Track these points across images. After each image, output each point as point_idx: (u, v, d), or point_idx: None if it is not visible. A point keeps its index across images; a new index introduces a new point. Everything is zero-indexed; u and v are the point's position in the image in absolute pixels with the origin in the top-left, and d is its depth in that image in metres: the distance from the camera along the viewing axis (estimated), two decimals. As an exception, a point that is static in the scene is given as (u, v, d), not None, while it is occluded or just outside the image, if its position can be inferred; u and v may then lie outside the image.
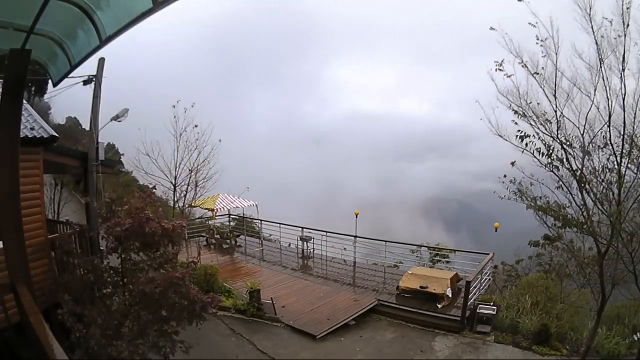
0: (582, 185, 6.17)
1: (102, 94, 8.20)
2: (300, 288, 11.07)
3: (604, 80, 5.90)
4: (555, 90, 6.22)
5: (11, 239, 4.32)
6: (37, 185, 6.54)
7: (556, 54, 6.10)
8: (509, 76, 6.24)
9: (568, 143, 6.23)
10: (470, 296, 9.04)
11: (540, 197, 6.58)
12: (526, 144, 6.36)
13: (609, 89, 5.90)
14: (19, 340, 4.50)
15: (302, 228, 14.90)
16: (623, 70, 5.80)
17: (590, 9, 5.74)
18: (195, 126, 12.31)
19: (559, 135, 6.29)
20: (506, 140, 6.58)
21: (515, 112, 6.37)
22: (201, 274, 9.88)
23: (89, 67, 7.93)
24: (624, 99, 5.85)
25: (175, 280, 5.56)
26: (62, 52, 3.62)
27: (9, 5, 2.91)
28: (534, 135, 6.36)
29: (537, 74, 6.18)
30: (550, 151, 6.26)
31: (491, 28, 6.16)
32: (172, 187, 12.38)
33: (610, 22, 5.71)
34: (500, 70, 6.23)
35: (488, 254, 10.91)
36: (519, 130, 6.36)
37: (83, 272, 6.93)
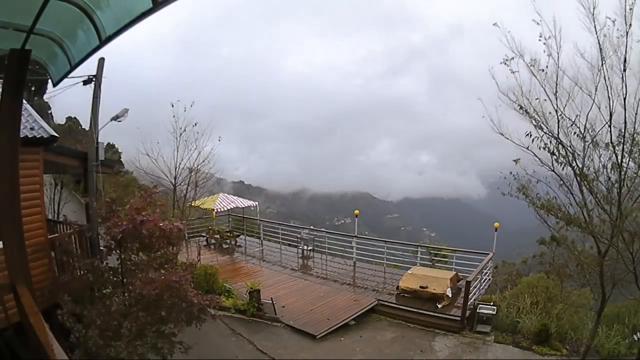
0: (584, 184, 6.17)
1: (101, 93, 8.18)
2: (300, 288, 11.06)
3: (605, 79, 5.90)
4: (556, 90, 6.22)
5: (11, 239, 4.32)
6: (37, 185, 6.53)
7: (558, 53, 6.10)
8: (514, 72, 6.24)
9: (569, 142, 6.22)
10: (470, 296, 9.03)
11: (542, 197, 6.58)
12: (532, 141, 6.35)
13: (611, 89, 5.90)
14: (19, 340, 4.49)
15: (302, 228, 14.90)
16: (625, 70, 5.79)
17: (594, 8, 5.73)
18: (195, 125, 12.35)
19: (560, 134, 6.29)
20: (507, 139, 6.59)
21: (520, 107, 6.36)
22: (201, 274, 9.88)
23: (89, 67, 7.92)
24: (625, 99, 5.84)
25: (172, 284, 5.55)
26: (62, 52, 3.60)
27: (9, 5, 2.90)
28: (539, 133, 6.37)
29: (542, 70, 6.17)
30: (555, 149, 6.25)
31: (494, 24, 6.16)
32: (172, 187, 12.41)
33: (613, 21, 5.70)
34: (506, 64, 6.21)
35: (488, 253, 10.91)
36: (531, 124, 6.36)
37: (83, 272, 6.93)
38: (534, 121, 6.33)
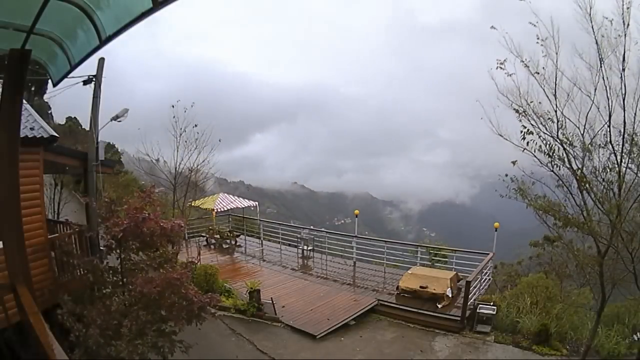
0: (582, 184, 6.17)
1: (101, 93, 8.18)
2: (300, 288, 11.06)
3: (604, 79, 5.90)
4: (555, 90, 6.23)
5: (11, 239, 4.32)
6: (37, 185, 6.54)
7: (556, 53, 6.10)
8: (510, 75, 6.24)
9: (568, 142, 6.23)
10: (470, 296, 9.03)
11: (541, 197, 6.58)
12: (527, 143, 6.35)
13: (609, 89, 5.90)
14: (19, 340, 4.50)
15: (302, 228, 14.90)
16: (623, 69, 5.80)
17: (591, 8, 5.74)
18: (195, 126, 12.36)
19: (559, 135, 6.29)
20: (506, 139, 6.59)
21: (516, 111, 6.37)
22: (201, 274, 9.88)
23: (89, 67, 7.93)
24: (624, 99, 5.85)
25: (173, 281, 5.56)
26: (62, 52, 3.61)
27: (9, 5, 2.91)
28: (535, 134, 6.37)
29: (538, 73, 6.18)
30: (551, 150, 6.25)
31: (492, 27, 6.16)
32: (172, 187, 12.43)
33: (611, 21, 5.71)
34: (501, 68, 6.22)
35: (488, 254, 10.91)
36: (523, 126, 6.35)
37: (83, 272, 6.93)
38: (532, 122, 6.33)
